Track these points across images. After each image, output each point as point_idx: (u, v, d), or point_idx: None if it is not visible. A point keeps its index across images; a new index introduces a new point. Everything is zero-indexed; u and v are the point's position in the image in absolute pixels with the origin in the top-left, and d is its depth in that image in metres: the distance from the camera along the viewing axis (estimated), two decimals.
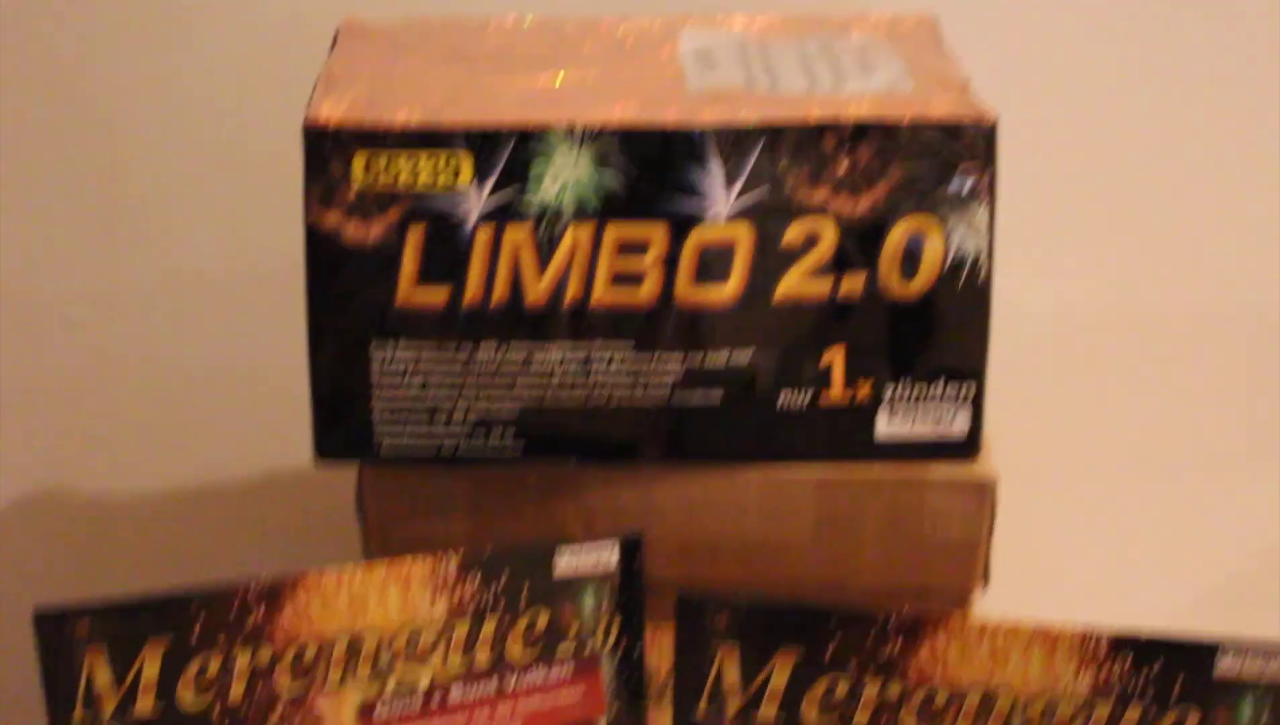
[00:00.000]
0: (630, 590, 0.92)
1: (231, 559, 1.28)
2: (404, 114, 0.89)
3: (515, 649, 0.91)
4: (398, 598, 0.89)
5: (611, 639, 0.93)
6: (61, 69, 1.18)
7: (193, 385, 1.25)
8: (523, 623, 0.91)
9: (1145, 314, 1.23)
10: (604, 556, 0.92)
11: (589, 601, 0.92)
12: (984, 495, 0.96)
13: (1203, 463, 1.27)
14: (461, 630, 0.90)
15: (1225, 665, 0.86)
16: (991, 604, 1.07)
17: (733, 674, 0.89)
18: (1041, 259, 1.22)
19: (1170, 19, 1.17)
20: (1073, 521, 1.29)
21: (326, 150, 0.89)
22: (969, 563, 0.97)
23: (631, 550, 0.92)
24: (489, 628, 0.91)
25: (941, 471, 0.96)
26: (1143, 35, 1.17)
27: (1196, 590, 1.30)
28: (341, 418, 0.93)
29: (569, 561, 0.91)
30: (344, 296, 0.91)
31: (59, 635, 0.85)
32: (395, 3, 1.15)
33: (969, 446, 0.96)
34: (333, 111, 0.89)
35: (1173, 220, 1.21)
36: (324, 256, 0.90)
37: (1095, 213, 1.21)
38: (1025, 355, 1.24)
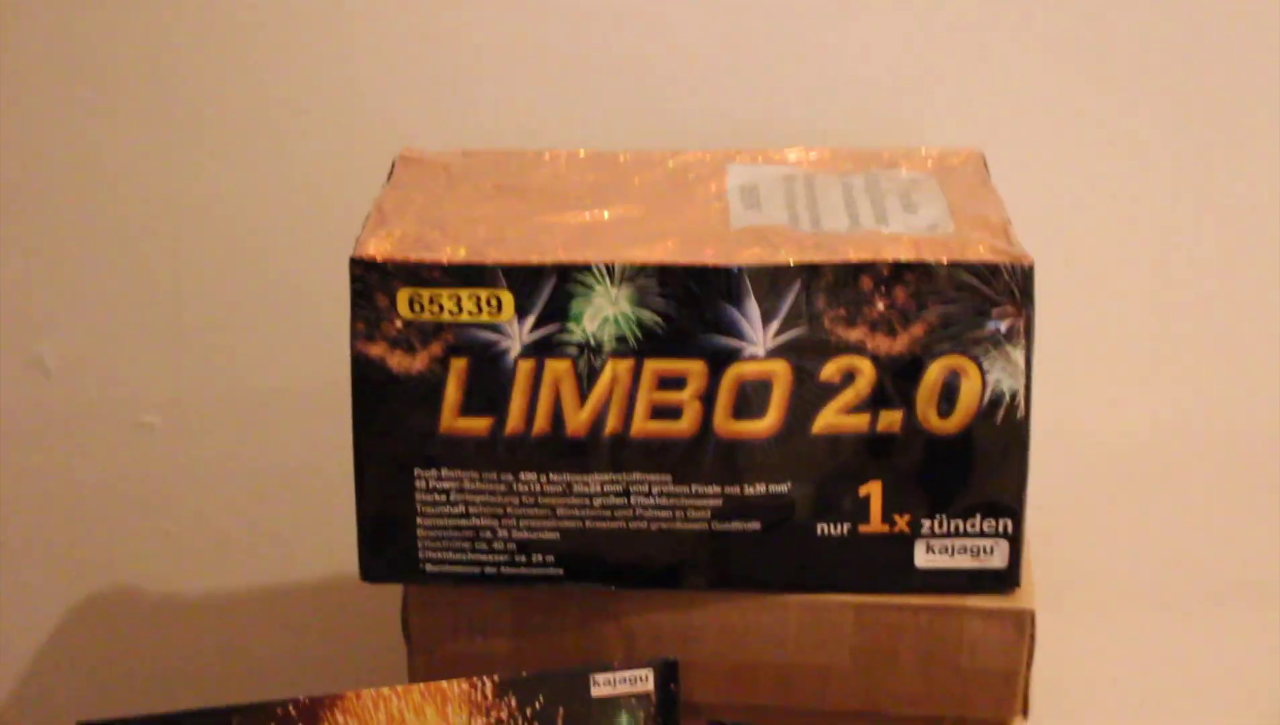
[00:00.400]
0: (667, 714, 0.94)
1: (293, 663, 1.31)
2: (449, 251, 0.92)
3: None
4: (435, 718, 0.91)
5: None
6: (140, 186, 1.22)
7: (258, 491, 1.28)
8: None
9: (1202, 443, 1.24)
10: (640, 680, 0.94)
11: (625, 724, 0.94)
12: (1022, 625, 0.97)
13: (1254, 595, 1.27)
14: None
15: None
16: None
17: None
18: (1101, 386, 1.23)
19: (1230, 145, 1.18)
20: (1123, 652, 1.29)
21: (372, 284, 0.91)
22: (1007, 693, 0.98)
23: (668, 674, 0.94)
24: None
25: (979, 600, 0.97)
26: (1199, 165, 1.18)
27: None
28: (387, 541, 0.96)
29: (605, 685, 0.93)
30: (389, 424, 0.93)
31: None
32: (455, 135, 1.19)
33: (1008, 579, 0.97)
34: (380, 247, 0.92)
35: (1232, 348, 1.22)
36: (370, 385, 0.93)
37: (1152, 341, 1.22)
38: (1082, 482, 1.25)
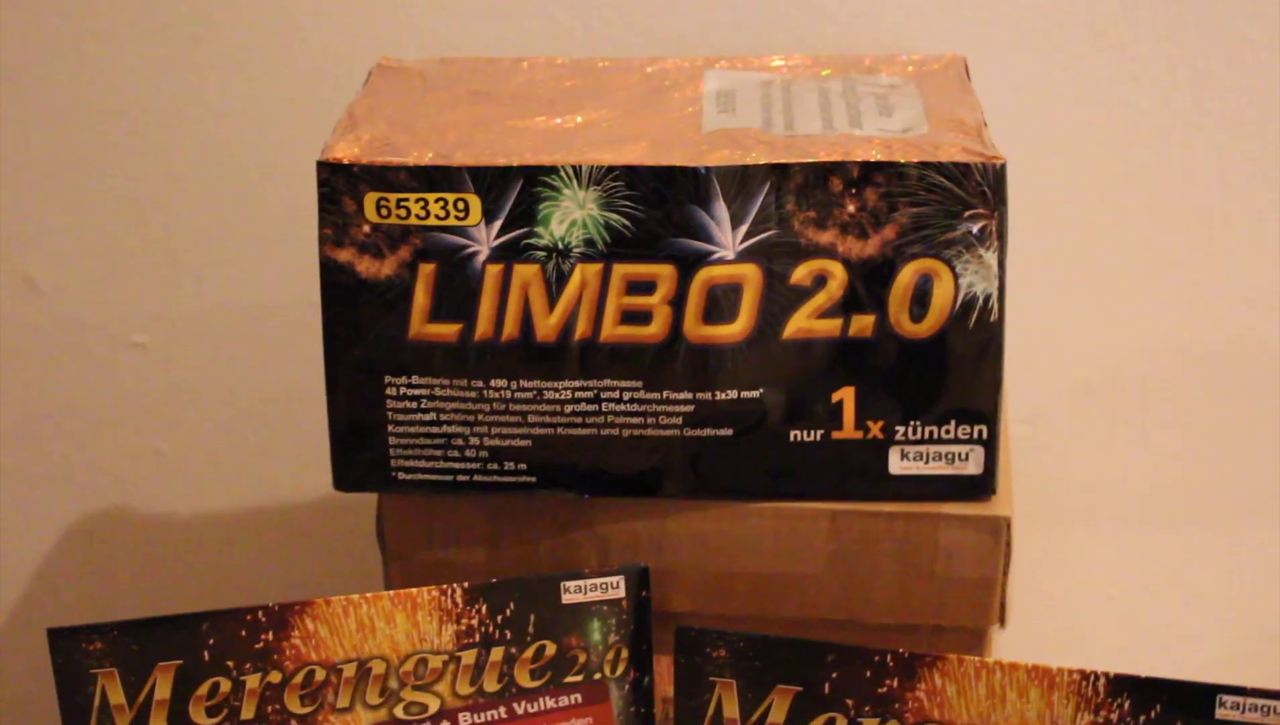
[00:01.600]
0: (638, 620, 0.94)
1: (280, 576, 1.32)
2: (416, 154, 0.91)
3: (523, 676, 0.93)
4: (405, 624, 0.91)
5: (620, 668, 0.94)
6: (127, 107, 1.22)
7: (251, 409, 1.29)
8: (529, 651, 0.93)
9: (1190, 354, 1.23)
10: (611, 587, 0.93)
11: (596, 631, 0.93)
12: (998, 532, 0.96)
13: (1243, 510, 1.26)
14: (469, 658, 0.92)
15: (1225, 711, 0.86)
16: (1011, 644, 1.07)
17: (731, 708, 0.90)
18: (1089, 297, 1.22)
19: (1226, 53, 1.16)
20: (1106, 563, 1.28)
21: (339, 187, 0.91)
22: (984, 601, 0.97)
23: (640, 581, 0.93)
24: (496, 655, 0.92)
25: (955, 507, 0.96)
26: (1191, 69, 1.17)
27: (1226, 642, 1.29)
28: (359, 449, 0.96)
29: (576, 592, 0.93)
30: (359, 330, 0.93)
31: (72, 654, 0.88)
32: (438, 45, 1.18)
33: (983, 486, 0.96)
34: (347, 150, 0.92)
35: (1223, 259, 1.20)
36: (338, 290, 0.93)
37: (1142, 251, 1.21)
38: (1069, 394, 1.24)
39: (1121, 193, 1.19)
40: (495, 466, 0.96)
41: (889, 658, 0.88)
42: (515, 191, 0.91)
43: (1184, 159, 1.18)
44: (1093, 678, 0.87)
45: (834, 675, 0.89)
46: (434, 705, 0.92)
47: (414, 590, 0.91)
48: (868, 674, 0.89)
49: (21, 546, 1.32)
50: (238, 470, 1.30)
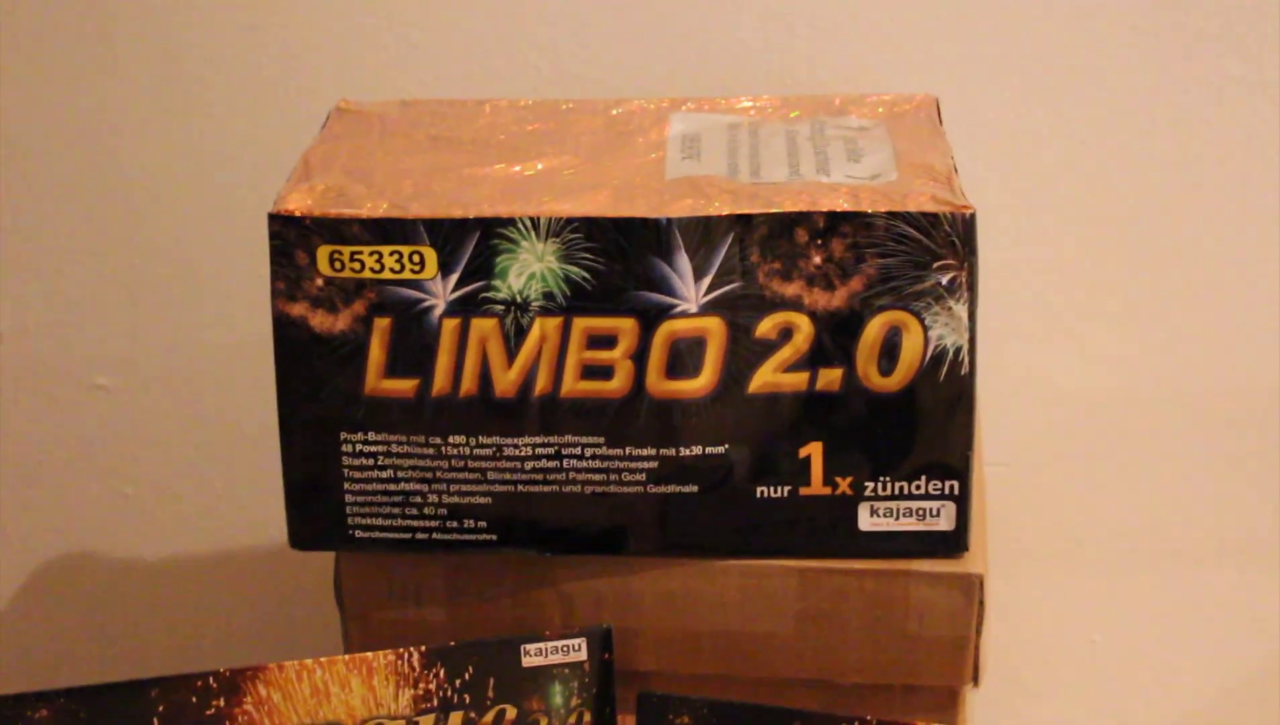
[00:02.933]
0: (601, 683, 0.91)
1: (252, 626, 1.29)
2: (370, 205, 0.89)
3: None
4: (361, 689, 0.89)
5: None
6: (88, 150, 1.20)
7: (215, 451, 1.26)
8: (489, 716, 0.90)
9: (1167, 396, 1.20)
10: (573, 649, 0.91)
11: (558, 695, 0.91)
12: (971, 590, 0.94)
13: (1222, 553, 1.24)
14: (427, 722, 0.90)
15: None
16: (989, 692, 1.04)
17: None
18: (1065, 339, 1.20)
19: (1201, 87, 1.14)
20: (1086, 606, 1.26)
21: (291, 240, 0.89)
22: (957, 659, 0.95)
23: (602, 643, 0.91)
24: (455, 720, 0.90)
25: (927, 564, 0.94)
26: (1167, 108, 1.15)
27: (1212, 686, 1.26)
28: (315, 506, 0.93)
29: (537, 655, 0.90)
30: (313, 386, 0.91)
31: (16, 723, 0.86)
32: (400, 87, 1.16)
33: (955, 542, 0.94)
34: (300, 202, 0.89)
35: (1199, 300, 1.18)
36: (292, 345, 0.90)
37: (1118, 292, 1.19)
38: (1045, 437, 1.22)
39: (1099, 231, 1.17)
40: (455, 524, 0.93)
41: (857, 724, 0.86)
42: (472, 244, 0.88)
43: (1162, 199, 1.16)
44: None
45: None
46: None
47: (369, 655, 0.88)
48: None
49: None
50: (202, 513, 1.28)
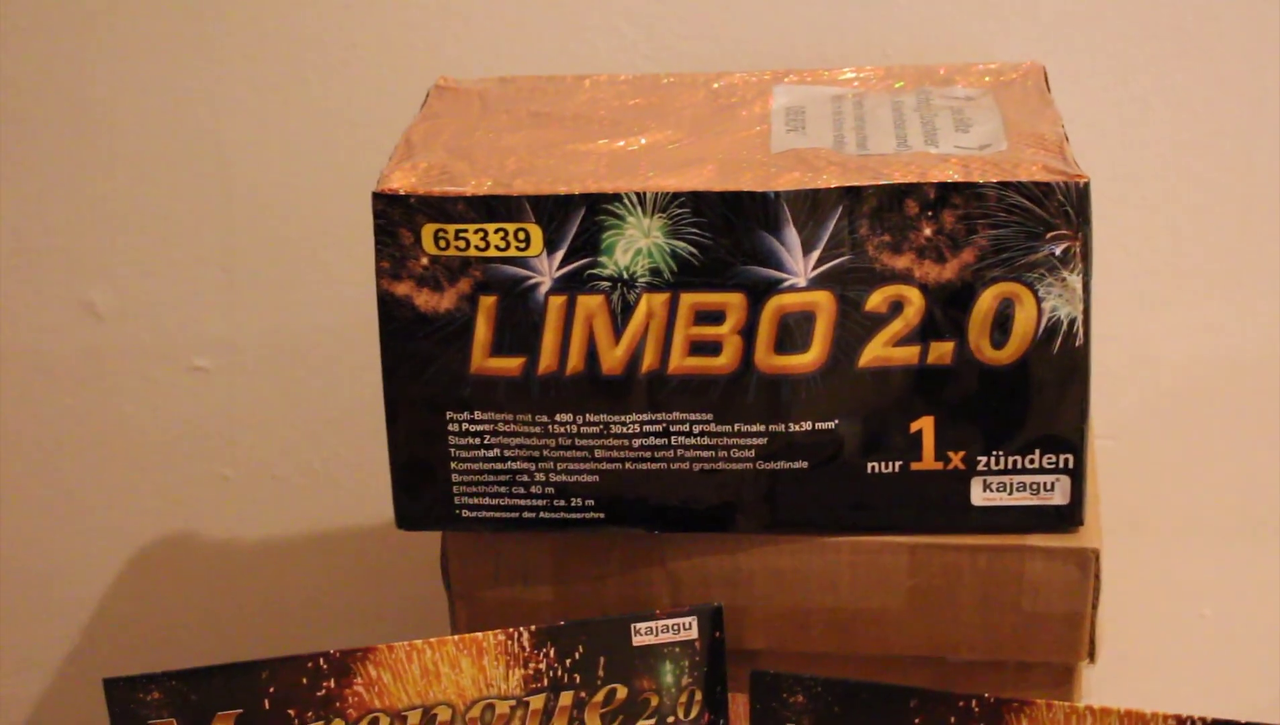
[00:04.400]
0: (712, 662, 0.91)
1: (346, 604, 1.29)
2: (474, 183, 0.88)
3: (594, 721, 0.90)
4: (471, 670, 0.88)
5: (694, 711, 0.91)
6: (185, 132, 1.20)
7: (315, 433, 1.26)
8: (600, 695, 0.90)
9: None
10: (683, 628, 0.90)
11: (669, 674, 0.90)
12: (1086, 565, 0.92)
13: None
14: (537, 702, 0.89)
15: None
16: (1100, 671, 1.03)
17: None
18: (1182, 309, 1.18)
19: None
20: (1197, 581, 1.24)
21: (396, 219, 0.88)
22: (1072, 636, 0.94)
23: (713, 621, 0.90)
24: (565, 700, 0.89)
25: (1041, 539, 0.92)
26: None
27: None
28: (421, 486, 0.93)
29: (647, 634, 0.90)
30: (419, 365, 0.90)
31: (129, 704, 0.86)
32: (498, 63, 1.15)
33: (1070, 517, 0.92)
34: (404, 180, 0.89)
35: None
36: (397, 324, 0.90)
37: (1235, 262, 1.16)
38: (1160, 409, 1.20)
39: (1208, 200, 1.15)
40: (562, 503, 0.92)
41: (974, 703, 0.85)
42: (577, 220, 0.87)
43: (1270, 167, 1.13)
44: (1189, 723, 0.83)
45: (917, 721, 0.85)
46: None
47: (479, 635, 0.88)
48: (952, 720, 0.85)
49: (86, 573, 1.30)
50: (302, 495, 1.28)
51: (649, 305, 0.88)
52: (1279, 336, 1.18)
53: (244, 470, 1.28)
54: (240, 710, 0.87)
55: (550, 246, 0.88)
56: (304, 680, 0.87)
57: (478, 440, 0.91)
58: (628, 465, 0.91)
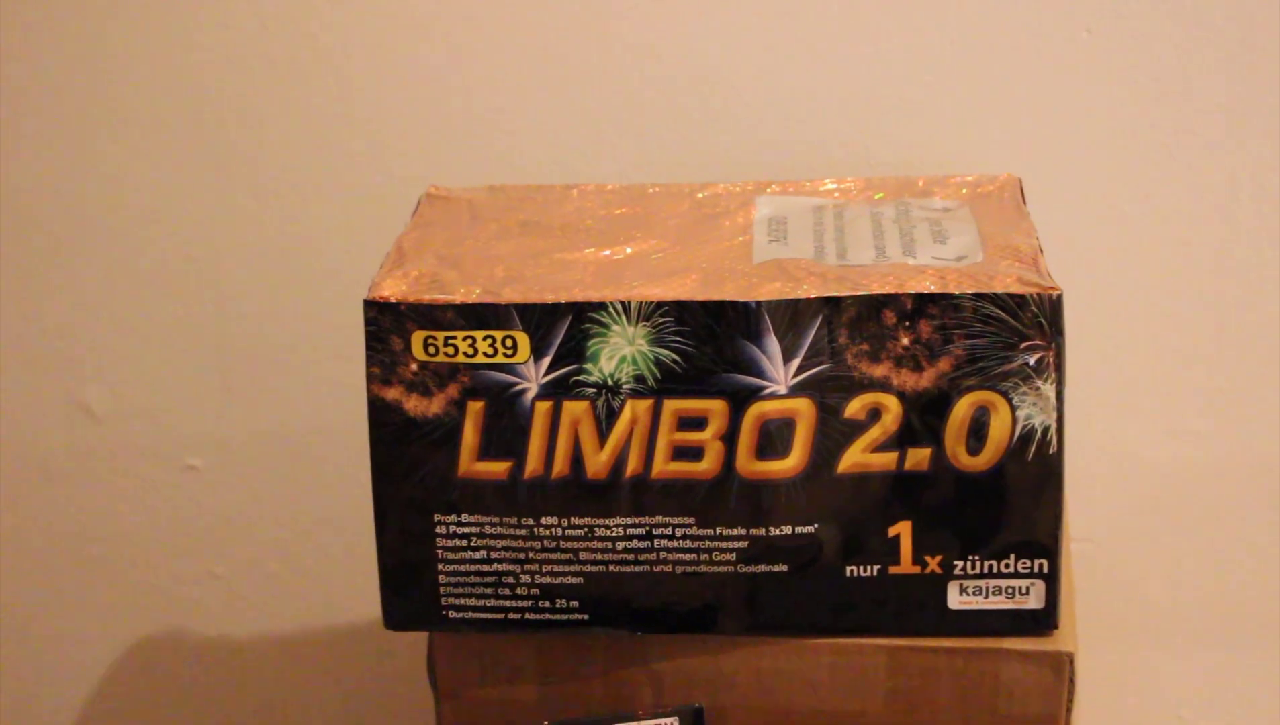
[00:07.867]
0: None
1: (334, 704, 1.30)
2: (463, 291, 0.90)
3: None
4: None
5: None
6: (180, 234, 1.22)
7: (306, 532, 1.28)
8: None
9: (1258, 468, 1.20)
10: None
11: None
12: (1061, 668, 0.94)
13: None
14: None
15: None
16: None
17: None
18: (1153, 413, 1.20)
19: None
20: (1175, 683, 1.25)
21: (386, 326, 0.90)
22: None
23: (694, 722, 0.92)
24: None
25: (1016, 642, 0.94)
26: (1252, 182, 1.15)
27: None
28: (409, 587, 0.94)
29: None
30: (408, 468, 0.92)
31: None
32: (487, 172, 1.17)
33: (1045, 620, 0.94)
34: (395, 287, 0.91)
35: None
36: (387, 428, 0.92)
37: (1205, 366, 1.19)
38: (1134, 512, 1.22)
39: (1185, 308, 1.17)
40: (547, 604, 0.94)
41: None
42: (564, 328, 0.90)
43: (1245, 275, 1.16)
44: None
45: None
46: None
47: None
48: None
49: (77, 671, 1.32)
50: (292, 594, 1.29)
51: (633, 411, 0.91)
52: (1255, 442, 1.20)
53: (234, 568, 1.29)
54: None
55: (537, 353, 0.90)
56: None
57: (465, 542, 0.93)
58: (611, 568, 0.93)
